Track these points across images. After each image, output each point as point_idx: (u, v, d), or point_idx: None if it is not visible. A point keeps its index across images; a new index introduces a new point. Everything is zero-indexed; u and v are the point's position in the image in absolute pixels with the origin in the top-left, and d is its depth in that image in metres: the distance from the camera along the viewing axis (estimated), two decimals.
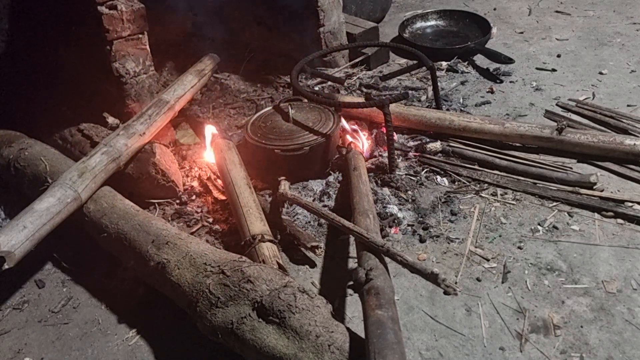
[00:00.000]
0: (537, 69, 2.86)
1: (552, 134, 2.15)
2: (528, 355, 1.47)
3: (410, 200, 2.04)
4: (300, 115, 2.25)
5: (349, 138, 2.25)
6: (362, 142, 2.25)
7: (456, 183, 2.11)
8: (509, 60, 2.83)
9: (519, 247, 1.81)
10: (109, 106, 2.40)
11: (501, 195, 2.03)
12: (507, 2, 3.74)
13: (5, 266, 1.53)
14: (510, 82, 2.76)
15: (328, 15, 2.86)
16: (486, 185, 2.08)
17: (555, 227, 1.87)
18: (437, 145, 2.27)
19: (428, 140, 2.32)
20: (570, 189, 1.99)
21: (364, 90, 2.71)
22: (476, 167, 2.16)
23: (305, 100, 2.34)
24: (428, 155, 2.24)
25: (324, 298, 1.41)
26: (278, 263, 1.63)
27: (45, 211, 1.68)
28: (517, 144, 2.25)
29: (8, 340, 1.68)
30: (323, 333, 1.30)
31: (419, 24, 3.41)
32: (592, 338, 1.51)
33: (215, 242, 1.93)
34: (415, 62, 2.55)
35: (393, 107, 2.25)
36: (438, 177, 2.15)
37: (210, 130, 2.28)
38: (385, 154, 2.17)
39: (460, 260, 1.79)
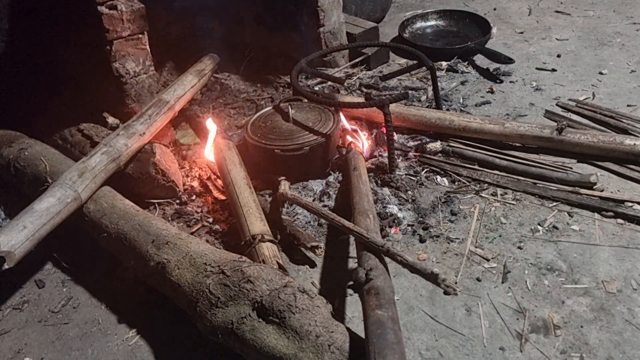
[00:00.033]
0: (537, 69, 2.86)
1: (552, 134, 2.15)
2: (528, 355, 1.47)
3: (410, 200, 2.04)
4: (300, 115, 2.25)
5: (349, 138, 2.25)
6: (362, 142, 2.25)
7: (456, 183, 2.11)
8: (509, 60, 2.83)
9: (519, 247, 1.81)
10: (109, 106, 2.40)
11: (501, 195, 2.03)
12: (507, 2, 3.74)
13: (5, 266, 1.53)
14: (510, 82, 2.76)
15: (328, 15, 2.86)
16: (486, 185, 2.08)
17: (555, 227, 1.87)
18: (437, 145, 2.27)
19: (428, 140, 2.32)
20: (570, 189, 1.99)
21: (364, 90, 2.71)
22: (476, 167, 2.16)
23: (305, 100, 2.34)
24: (428, 155, 2.24)
25: (324, 298, 1.41)
26: (278, 263, 1.63)
27: (45, 211, 1.68)
28: (517, 144, 2.25)
29: (8, 340, 1.68)
30: (323, 333, 1.30)
31: (419, 24, 3.41)
32: (592, 338, 1.51)
33: (215, 242, 1.93)
34: (415, 62, 2.55)
35: (393, 107, 2.25)
36: (438, 177, 2.15)
37: (212, 126, 2.26)
38: (385, 154, 2.17)
39: (460, 260, 1.78)
